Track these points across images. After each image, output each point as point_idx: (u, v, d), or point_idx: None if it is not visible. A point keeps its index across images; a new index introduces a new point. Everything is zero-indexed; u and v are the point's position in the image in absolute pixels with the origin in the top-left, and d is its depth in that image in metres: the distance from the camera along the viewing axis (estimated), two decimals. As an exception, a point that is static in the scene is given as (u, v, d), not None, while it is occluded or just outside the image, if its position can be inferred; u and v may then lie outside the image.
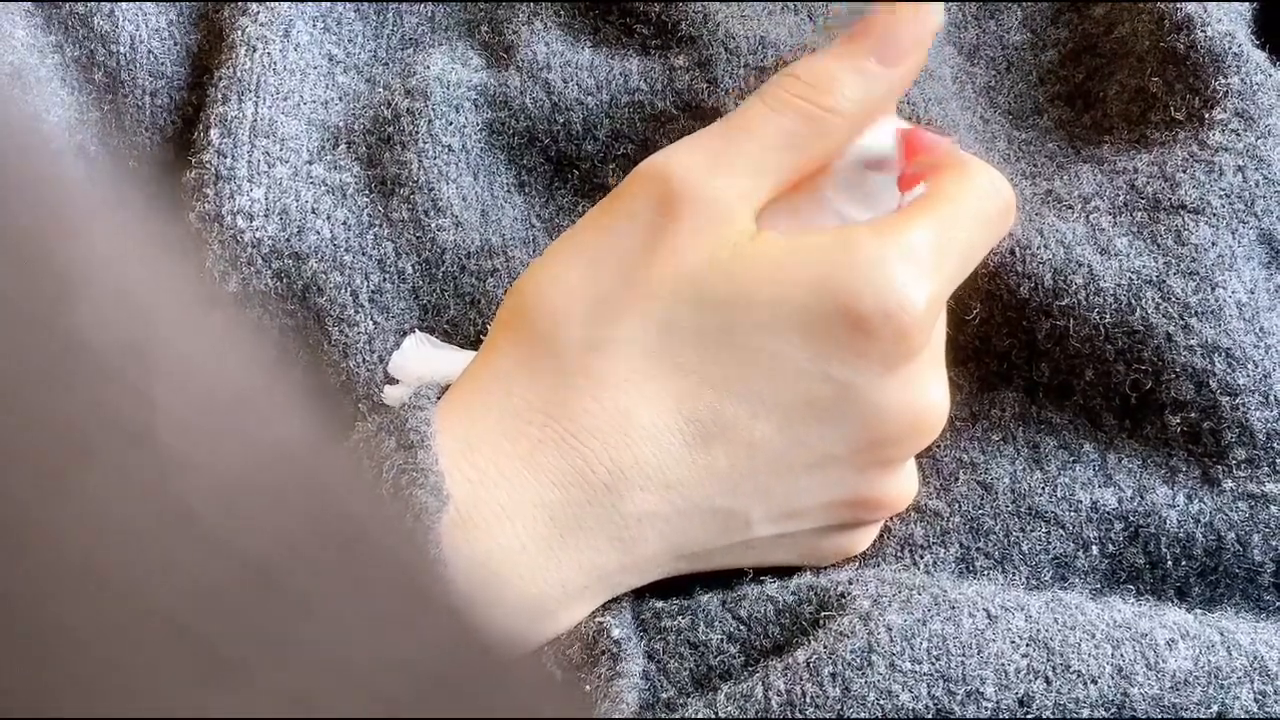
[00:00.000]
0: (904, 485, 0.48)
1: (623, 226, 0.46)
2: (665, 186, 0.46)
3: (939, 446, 0.50)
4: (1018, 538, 0.49)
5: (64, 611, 0.18)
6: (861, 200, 0.47)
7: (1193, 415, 0.50)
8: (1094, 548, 0.50)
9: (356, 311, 0.54)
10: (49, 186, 0.21)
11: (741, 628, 0.46)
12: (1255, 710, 0.43)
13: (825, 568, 0.49)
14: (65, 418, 0.19)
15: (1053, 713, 0.43)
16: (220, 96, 0.57)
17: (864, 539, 0.49)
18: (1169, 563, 0.49)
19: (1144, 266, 0.51)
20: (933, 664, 0.43)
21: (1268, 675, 0.44)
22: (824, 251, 0.45)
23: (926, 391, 0.46)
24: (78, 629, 0.18)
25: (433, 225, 0.55)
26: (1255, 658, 0.44)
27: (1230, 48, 0.55)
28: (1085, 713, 0.43)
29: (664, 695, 0.46)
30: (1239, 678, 0.44)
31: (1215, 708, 0.43)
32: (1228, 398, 0.50)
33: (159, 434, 0.19)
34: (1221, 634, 0.45)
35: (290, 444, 0.21)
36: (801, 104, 0.46)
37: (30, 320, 0.19)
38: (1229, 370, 0.50)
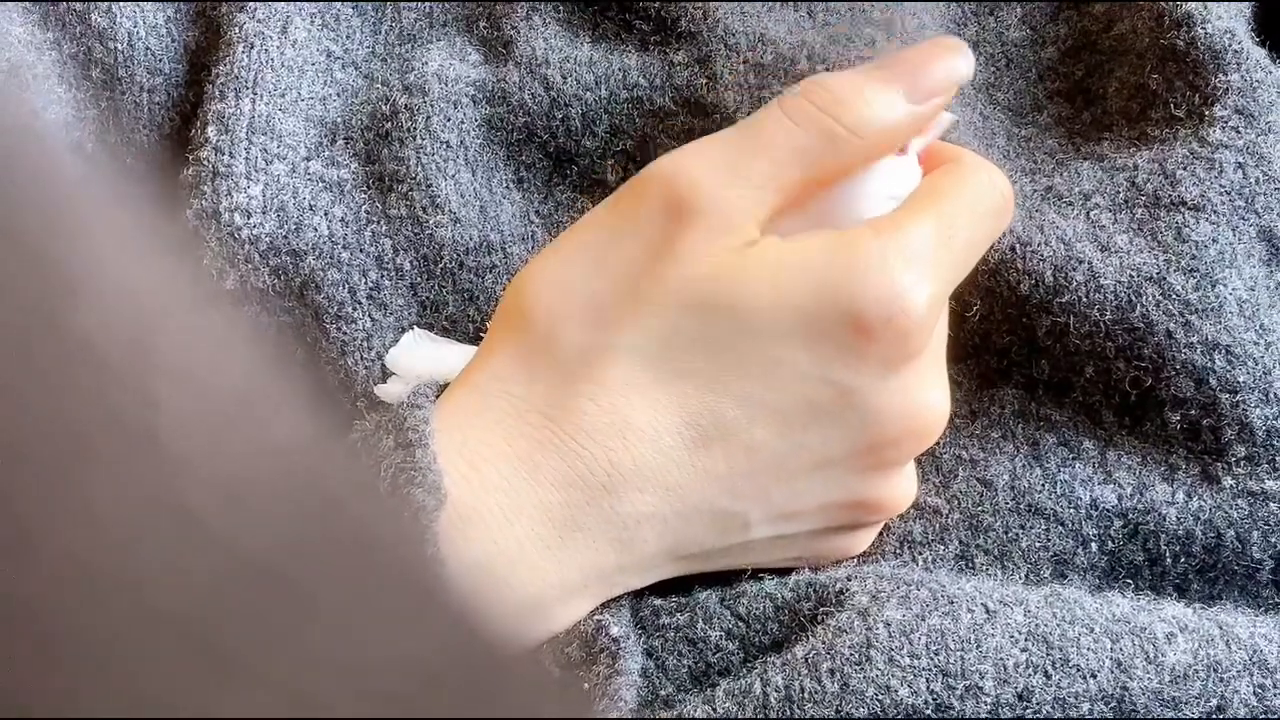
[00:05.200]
0: (903, 487, 0.48)
1: (628, 230, 0.45)
2: (675, 193, 0.45)
3: (939, 443, 0.50)
4: (1017, 535, 0.49)
5: (67, 611, 0.18)
6: (893, 189, 0.47)
7: (1192, 412, 0.50)
8: (1093, 545, 0.49)
9: (354, 308, 0.54)
10: (50, 185, 0.21)
11: (740, 624, 0.46)
12: (1254, 703, 0.43)
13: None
14: (68, 417, 0.19)
15: (1052, 707, 0.43)
16: (218, 93, 0.57)
17: (863, 540, 0.49)
18: (1168, 560, 0.49)
19: (1144, 263, 0.51)
20: (931, 659, 0.43)
21: (1266, 669, 0.44)
22: (824, 254, 0.44)
23: (927, 394, 0.46)
24: (81, 628, 0.18)
25: (431, 221, 0.55)
26: (1254, 651, 0.44)
27: (1230, 44, 0.55)
28: (1085, 706, 0.43)
29: (663, 692, 0.46)
30: (1238, 671, 0.44)
31: (1214, 701, 0.43)
32: (1228, 395, 0.49)
33: (161, 433, 0.19)
34: (1220, 628, 0.45)
35: (292, 443, 0.21)
36: (824, 119, 0.45)
37: (33, 320, 0.19)
38: (1229, 367, 0.50)
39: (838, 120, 0.45)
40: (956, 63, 0.47)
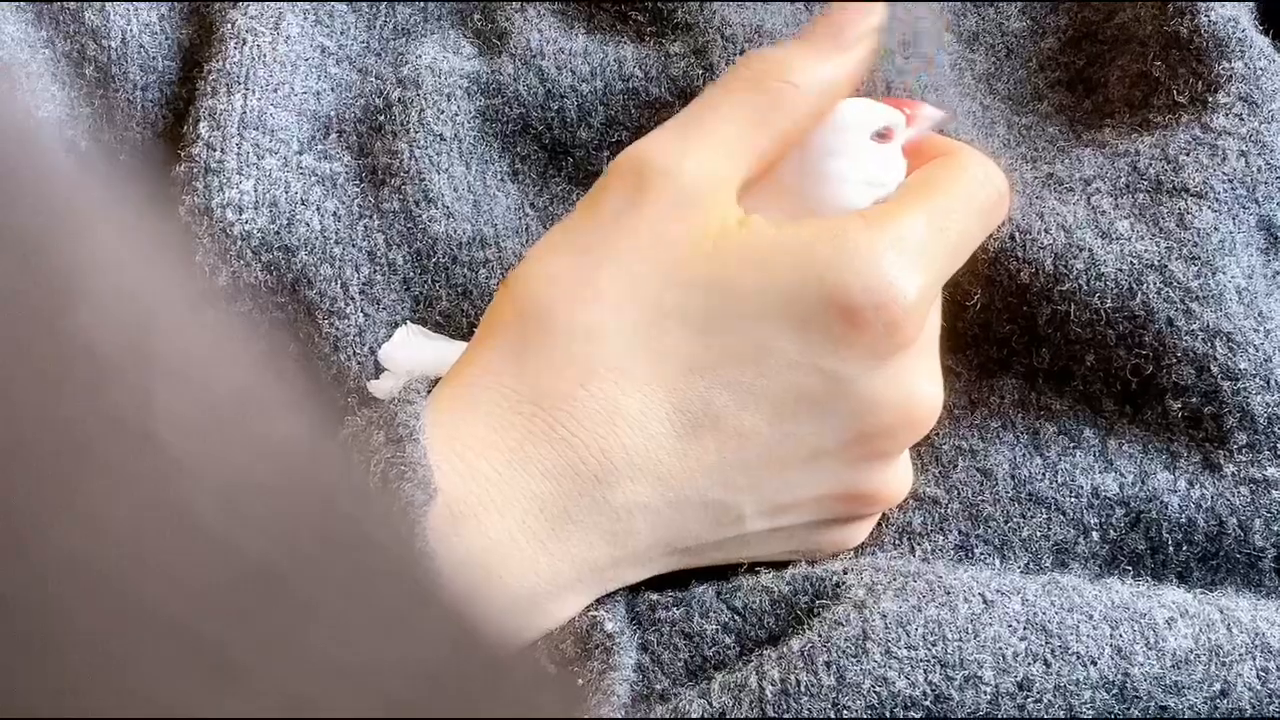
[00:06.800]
0: (898, 479, 0.48)
1: (604, 215, 0.46)
2: (638, 171, 0.46)
3: (938, 434, 0.50)
4: (1017, 524, 0.49)
5: (65, 611, 0.18)
6: (871, 175, 0.47)
7: (1194, 400, 0.50)
8: (1094, 534, 0.49)
9: (347, 304, 0.54)
10: (47, 185, 0.21)
11: (736, 618, 0.46)
12: (1258, 687, 0.43)
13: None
14: (66, 418, 0.19)
15: (1053, 695, 0.43)
16: (210, 89, 0.57)
17: (859, 533, 0.49)
18: (1170, 548, 0.49)
19: (1145, 250, 0.51)
20: (929, 650, 0.43)
21: (1269, 652, 0.44)
22: (814, 241, 0.44)
23: (918, 384, 0.46)
24: (78, 629, 0.17)
25: (424, 216, 0.55)
26: (1256, 634, 0.44)
27: (1234, 32, 0.55)
28: (1086, 694, 0.43)
29: (658, 686, 0.46)
30: (1240, 655, 0.44)
31: (1218, 685, 0.43)
32: (1229, 382, 0.49)
33: (159, 434, 0.19)
34: (1221, 612, 0.45)
35: (290, 443, 0.21)
36: (762, 79, 0.47)
37: (31, 320, 0.19)
38: (1230, 355, 0.49)
39: (774, 78, 0.47)
40: (868, 10, 0.49)
